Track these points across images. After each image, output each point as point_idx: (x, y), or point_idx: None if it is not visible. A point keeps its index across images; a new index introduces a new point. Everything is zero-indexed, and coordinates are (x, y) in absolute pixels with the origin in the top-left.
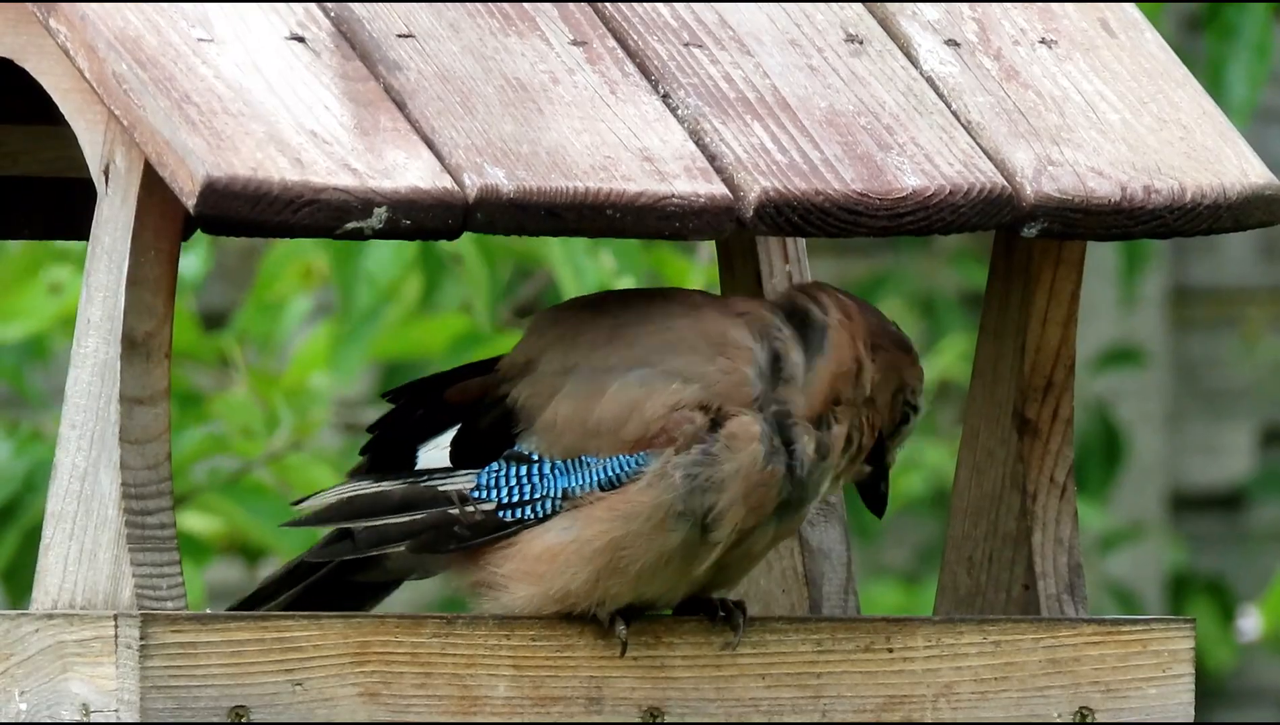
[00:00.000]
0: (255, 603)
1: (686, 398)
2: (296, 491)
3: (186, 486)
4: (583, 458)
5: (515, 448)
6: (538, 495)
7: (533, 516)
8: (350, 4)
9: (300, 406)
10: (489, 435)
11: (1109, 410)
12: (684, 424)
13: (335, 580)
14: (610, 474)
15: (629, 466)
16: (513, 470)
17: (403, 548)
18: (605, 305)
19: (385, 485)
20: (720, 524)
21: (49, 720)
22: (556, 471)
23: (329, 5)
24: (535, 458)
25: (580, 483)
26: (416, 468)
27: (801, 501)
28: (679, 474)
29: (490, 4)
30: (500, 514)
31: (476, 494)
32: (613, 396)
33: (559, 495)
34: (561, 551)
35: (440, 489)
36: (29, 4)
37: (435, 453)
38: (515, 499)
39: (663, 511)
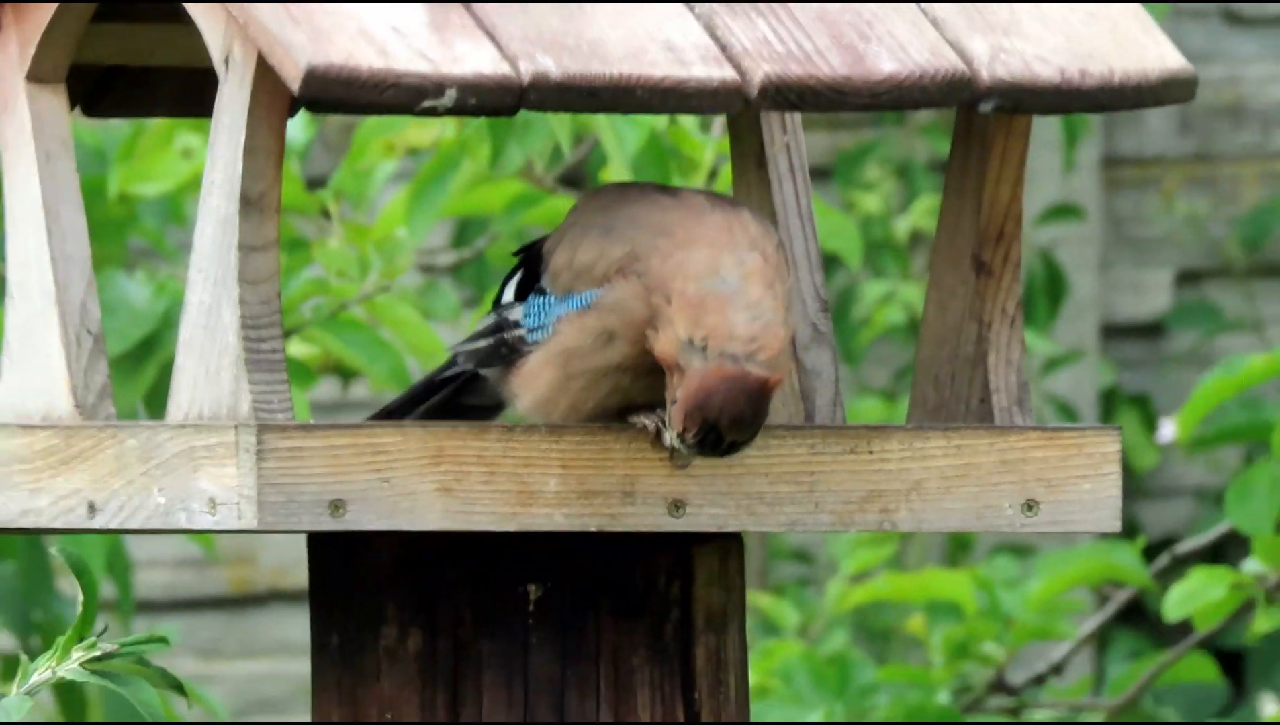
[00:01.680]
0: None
1: (634, 253)
2: (385, 326)
3: (294, 321)
4: (571, 292)
5: (539, 284)
6: (545, 321)
7: (541, 338)
8: None
9: (387, 253)
10: (532, 276)
11: (1052, 256)
12: (630, 270)
13: (450, 404)
14: (583, 303)
15: (591, 297)
16: (537, 302)
17: (470, 364)
18: (628, 189)
19: (486, 317)
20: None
21: (183, 510)
22: (557, 303)
23: None
24: (547, 292)
25: (567, 309)
26: (499, 302)
27: None
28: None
29: None
30: (526, 336)
31: (518, 321)
32: (591, 243)
33: (555, 321)
34: (542, 362)
35: (506, 316)
36: None
37: (509, 288)
38: (535, 324)
39: (601, 331)
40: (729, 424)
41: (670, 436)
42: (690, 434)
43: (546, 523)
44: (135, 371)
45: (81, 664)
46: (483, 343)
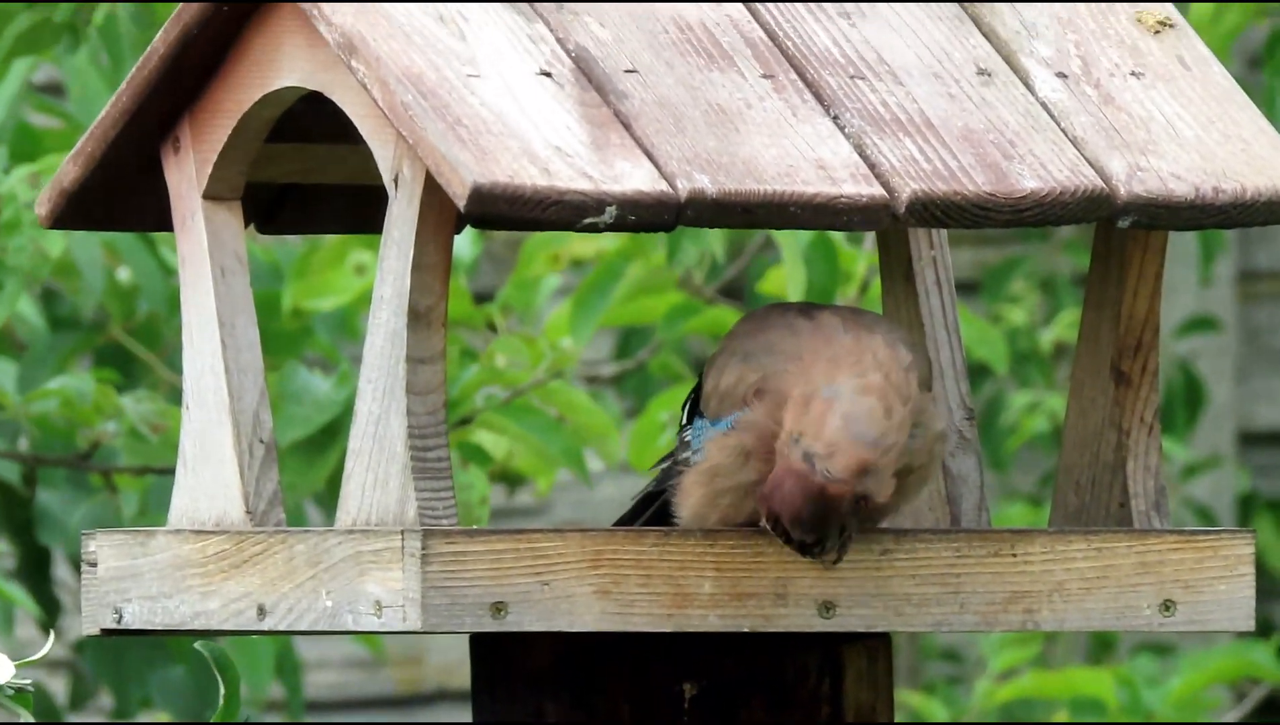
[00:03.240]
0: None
1: (768, 376)
2: (560, 411)
3: (470, 408)
4: (720, 417)
5: (698, 409)
6: (701, 443)
7: (697, 460)
8: (587, 46)
9: (555, 352)
10: (695, 400)
11: (1190, 367)
12: (766, 392)
13: (663, 515)
14: (729, 424)
15: (734, 419)
16: (699, 425)
17: (656, 484)
18: (770, 313)
19: (670, 436)
20: None
21: (349, 613)
22: (710, 426)
23: (570, 48)
24: (703, 416)
25: (716, 431)
26: (681, 424)
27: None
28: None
29: (697, 45)
30: (692, 458)
31: (689, 441)
32: (732, 369)
33: (707, 441)
34: (693, 480)
35: (682, 438)
36: (334, 49)
37: (686, 411)
38: (696, 446)
39: (740, 449)
40: (790, 521)
41: None
42: (765, 523)
43: (701, 624)
44: (316, 459)
45: None
46: (665, 462)
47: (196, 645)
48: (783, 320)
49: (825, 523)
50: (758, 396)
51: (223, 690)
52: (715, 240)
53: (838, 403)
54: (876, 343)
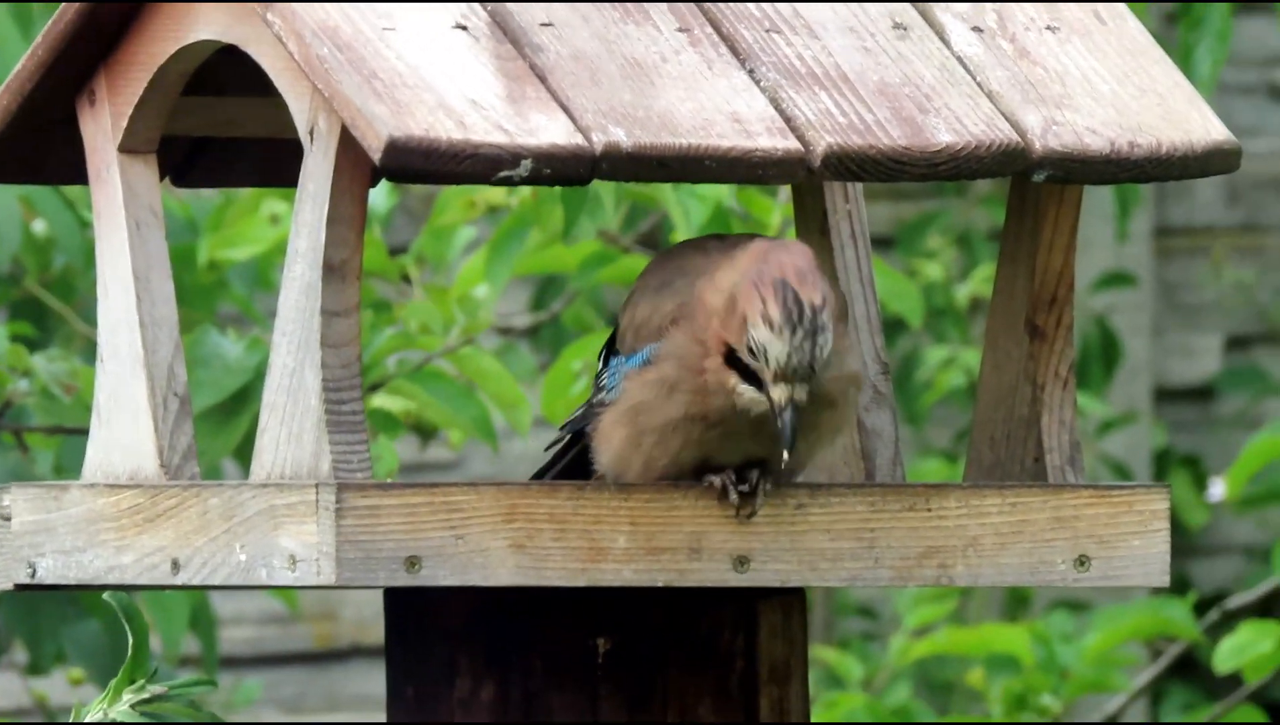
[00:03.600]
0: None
1: (683, 302)
2: (470, 378)
3: (382, 373)
4: (635, 351)
5: (614, 347)
6: (616, 381)
7: (612, 398)
8: (502, 1)
9: (468, 311)
10: (611, 343)
11: (1106, 322)
12: (682, 319)
13: (580, 463)
14: (645, 358)
15: (652, 350)
16: (613, 363)
17: (569, 432)
18: (687, 243)
19: (584, 385)
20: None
21: (264, 567)
22: (625, 362)
23: (486, 2)
24: (619, 353)
25: (632, 366)
26: (598, 371)
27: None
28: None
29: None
30: (606, 398)
31: (604, 384)
32: (647, 301)
33: (623, 378)
34: (613, 420)
35: (598, 382)
36: (251, 2)
37: (601, 356)
38: (611, 385)
39: (662, 382)
40: (797, 278)
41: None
42: (772, 309)
43: (615, 578)
44: (228, 423)
45: (131, 706)
46: (580, 411)
47: (105, 596)
48: (695, 248)
49: (823, 287)
50: (674, 324)
51: (131, 641)
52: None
53: (766, 270)
54: (793, 245)
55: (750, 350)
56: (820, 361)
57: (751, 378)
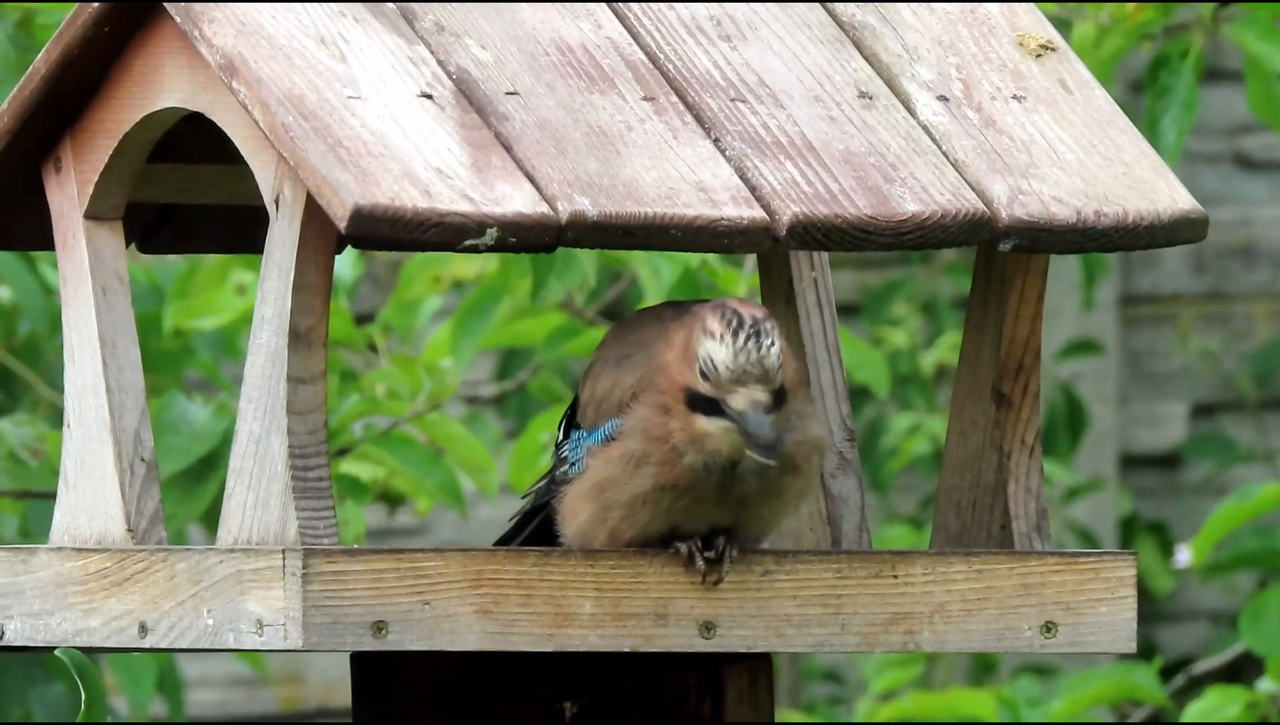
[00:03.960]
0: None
1: (644, 376)
2: (438, 443)
3: (349, 439)
4: (596, 425)
5: (574, 421)
6: (578, 456)
7: (574, 473)
8: (468, 68)
9: (434, 377)
10: (572, 414)
11: (1072, 390)
12: (644, 392)
13: (544, 532)
14: (607, 433)
15: (615, 425)
16: (575, 437)
17: (533, 502)
18: (645, 313)
19: (548, 456)
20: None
21: (231, 631)
22: (587, 437)
23: (451, 70)
24: (580, 427)
25: (594, 442)
26: (558, 441)
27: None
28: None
29: (578, 68)
30: (570, 472)
31: (566, 458)
32: (607, 375)
33: (586, 454)
34: (576, 495)
35: (559, 455)
36: (215, 70)
37: (562, 427)
38: (574, 459)
39: (628, 457)
40: (737, 302)
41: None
42: (712, 324)
43: (582, 644)
44: (195, 489)
45: None
46: (543, 481)
47: (57, 652)
48: (652, 317)
49: (742, 322)
50: (635, 399)
51: (84, 696)
52: (589, 267)
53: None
54: (743, 301)
55: (703, 373)
56: (771, 362)
57: (714, 409)
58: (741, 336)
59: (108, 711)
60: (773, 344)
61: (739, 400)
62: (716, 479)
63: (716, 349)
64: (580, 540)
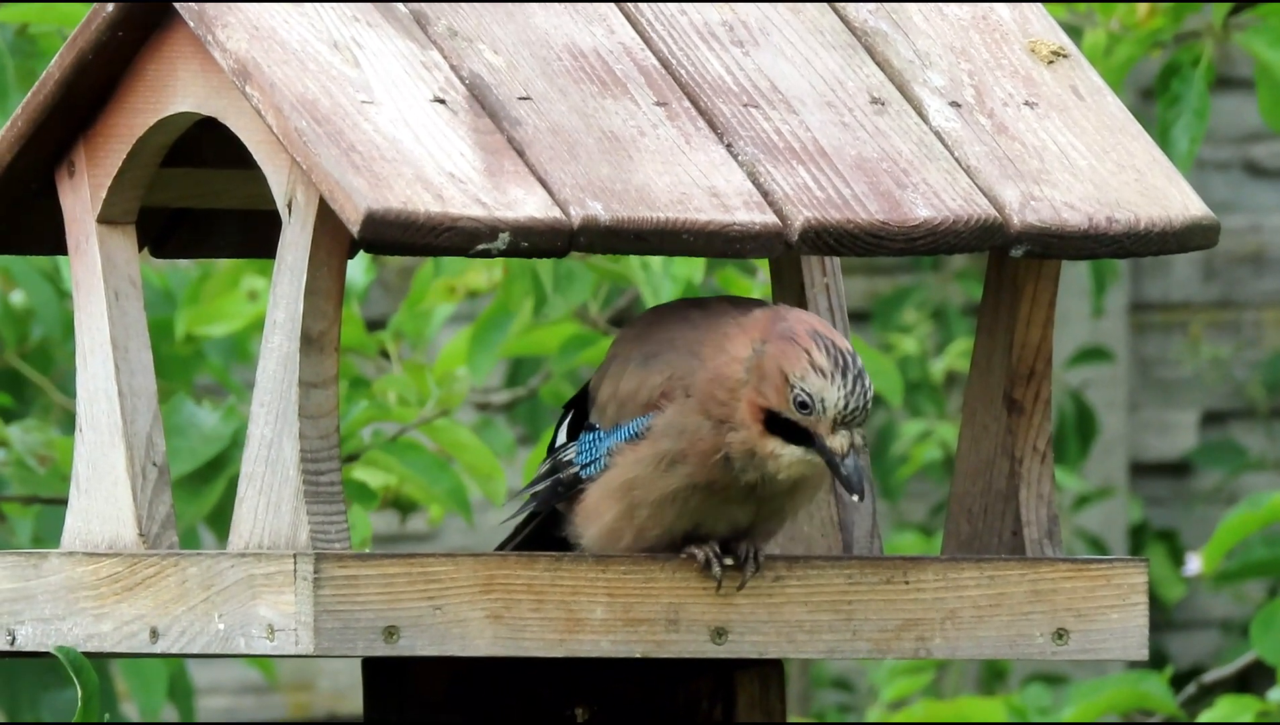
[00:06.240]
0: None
1: (676, 375)
2: (446, 450)
3: (357, 445)
4: (619, 424)
5: (588, 421)
6: (597, 455)
7: (595, 472)
8: (480, 73)
9: (444, 385)
10: (582, 415)
11: (1082, 397)
12: (676, 392)
13: (542, 535)
14: (632, 432)
15: (642, 423)
16: (588, 438)
17: (535, 506)
18: (662, 311)
19: (546, 461)
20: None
21: (242, 636)
22: (606, 436)
23: (464, 75)
24: (596, 427)
25: (617, 440)
26: (554, 446)
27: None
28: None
29: (591, 73)
30: (581, 473)
31: (572, 461)
32: (631, 373)
33: (606, 453)
34: (601, 495)
35: (560, 458)
36: (229, 75)
37: (561, 432)
38: (587, 460)
39: (660, 457)
40: (826, 330)
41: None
42: (819, 358)
43: (593, 649)
44: (201, 490)
45: None
46: (542, 485)
47: (53, 650)
48: (677, 317)
49: (849, 361)
50: (667, 397)
51: (80, 694)
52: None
53: (791, 328)
54: (795, 308)
55: (802, 404)
56: (870, 406)
57: (796, 437)
58: (850, 379)
59: (110, 711)
60: (871, 387)
61: (838, 442)
62: (749, 483)
63: (827, 389)
64: (605, 539)
